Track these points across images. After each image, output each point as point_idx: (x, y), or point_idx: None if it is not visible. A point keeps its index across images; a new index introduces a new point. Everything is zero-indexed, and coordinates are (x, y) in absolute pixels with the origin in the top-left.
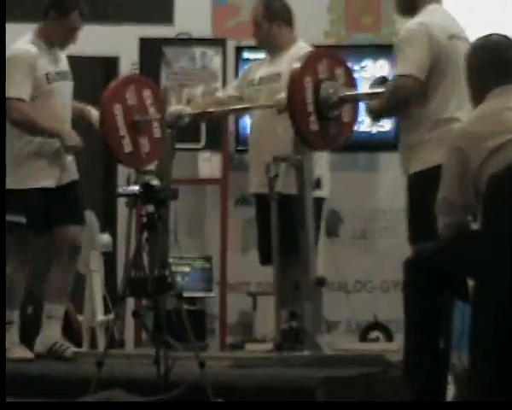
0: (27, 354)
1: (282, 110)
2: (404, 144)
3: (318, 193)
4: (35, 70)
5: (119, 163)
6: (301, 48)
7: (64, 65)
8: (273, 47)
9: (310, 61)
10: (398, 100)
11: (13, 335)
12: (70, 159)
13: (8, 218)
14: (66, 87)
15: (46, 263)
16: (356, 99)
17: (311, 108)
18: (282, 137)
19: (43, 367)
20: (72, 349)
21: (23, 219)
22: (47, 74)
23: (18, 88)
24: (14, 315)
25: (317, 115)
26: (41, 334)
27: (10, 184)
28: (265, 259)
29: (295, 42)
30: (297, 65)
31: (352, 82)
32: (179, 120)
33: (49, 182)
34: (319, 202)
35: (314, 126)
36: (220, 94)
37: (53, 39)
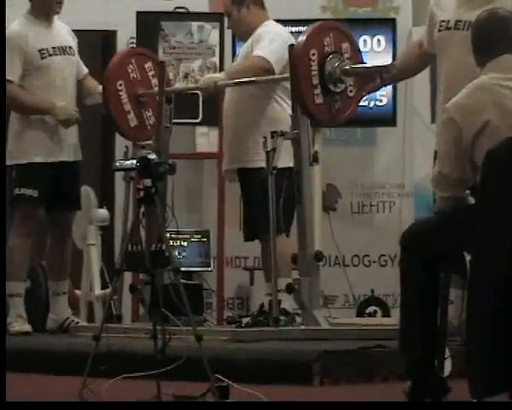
0: (25, 327)
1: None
2: None
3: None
4: (25, 48)
5: (125, 139)
6: (265, 26)
7: (65, 40)
8: (246, 31)
9: (316, 34)
10: None
11: (17, 307)
12: (76, 139)
13: (22, 191)
14: (66, 62)
15: (44, 238)
16: (361, 74)
17: (316, 80)
18: (247, 116)
19: (40, 342)
20: (81, 323)
21: (35, 193)
22: (40, 50)
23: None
24: (18, 287)
25: (321, 88)
26: (51, 312)
27: (20, 158)
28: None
29: (264, 21)
30: (303, 37)
31: (358, 56)
32: (215, 89)
33: (55, 157)
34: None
35: (318, 99)
36: None
37: (44, 10)
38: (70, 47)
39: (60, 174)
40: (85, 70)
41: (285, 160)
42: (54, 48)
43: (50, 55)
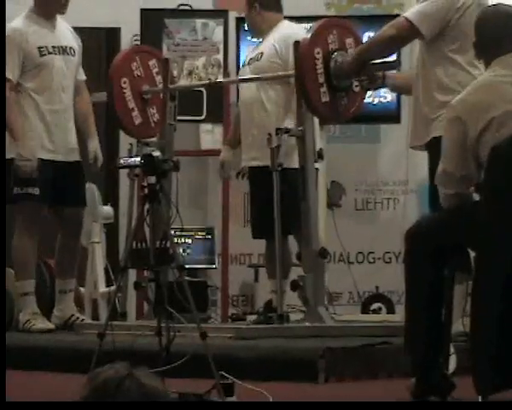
0: (48, 324)
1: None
2: (426, 111)
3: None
4: (24, 46)
5: (130, 136)
6: (283, 27)
7: (66, 40)
8: (256, 31)
9: (320, 31)
10: None
11: (31, 305)
12: (74, 140)
13: (23, 190)
14: (66, 62)
15: (52, 236)
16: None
17: (322, 78)
18: (270, 110)
19: (45, 339)
20: (85, 321)
21: (37, 191)
22: (40, 47)
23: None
24: (30, 285)
25: (327, 86)
26: (56, 308)
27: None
28: (258, 233)
29: (278, 22)
30: (307, 35)
31: None
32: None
33: (57, 155)
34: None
35: (325, 97)
36: None
37: (47, 9)
38: (71, 47)
39: (60, 173)
40: (82, 77)
41: None
42: (54, 47)
43: (50, 53)
